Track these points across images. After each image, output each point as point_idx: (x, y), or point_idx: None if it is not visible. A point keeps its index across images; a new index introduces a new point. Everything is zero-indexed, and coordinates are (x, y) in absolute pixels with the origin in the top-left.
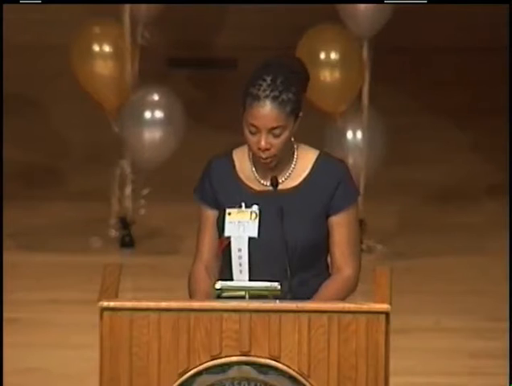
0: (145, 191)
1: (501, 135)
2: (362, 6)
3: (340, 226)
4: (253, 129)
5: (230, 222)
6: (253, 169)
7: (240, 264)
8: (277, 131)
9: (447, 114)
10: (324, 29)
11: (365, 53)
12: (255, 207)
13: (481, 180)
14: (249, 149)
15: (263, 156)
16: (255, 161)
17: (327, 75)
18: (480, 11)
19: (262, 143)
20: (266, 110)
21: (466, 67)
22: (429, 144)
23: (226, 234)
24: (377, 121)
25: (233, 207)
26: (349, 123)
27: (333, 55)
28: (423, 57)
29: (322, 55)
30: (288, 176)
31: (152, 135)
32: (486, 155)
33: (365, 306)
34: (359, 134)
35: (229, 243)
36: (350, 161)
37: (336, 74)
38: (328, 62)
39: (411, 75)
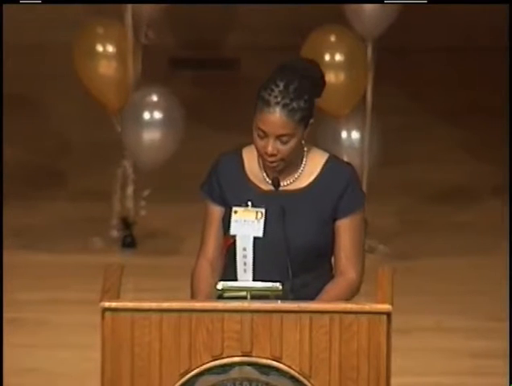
0: (145, 193)
1: (502, 135)
2: (369, 6)
3: (347, 230)
4: (261, 134)
5: (236, 220)
6: (262, 169)
7: (244, 264)
8: (284, 138)
9: (447, 114)
10: (328, 31)
11: (369, 53)
12: (261, 207)
13: (481, 180)
14: (257, 151)
15: (269, 160)
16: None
17: (332, 78)
18: (480, 11)
19: (269, 149)
20: (275, 117)
21: (466, 67)
22: (429, 144)
23: (232, 232)
24: (380, 120)
25: (240, 205)
26: (351, 123)
27: (338, 57)
28: (423, 57)
29: (327, 57)
30: (296, 178)
31: (152, 136)
32: (486, 155)
33: (367, 307)
34: (361, 135)
35: (234, 241)
36: (351, 161)
37: (341, 76)
38: (333, 64)
39: (411, 75)
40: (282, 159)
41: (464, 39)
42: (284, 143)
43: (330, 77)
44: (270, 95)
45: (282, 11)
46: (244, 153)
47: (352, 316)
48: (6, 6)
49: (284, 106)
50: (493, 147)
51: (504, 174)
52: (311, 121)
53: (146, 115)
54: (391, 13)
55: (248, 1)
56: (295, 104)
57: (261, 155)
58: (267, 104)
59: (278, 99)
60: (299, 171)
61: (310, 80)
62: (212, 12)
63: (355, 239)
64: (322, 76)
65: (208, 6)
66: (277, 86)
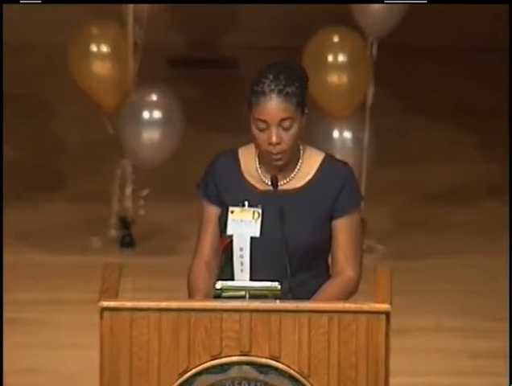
0: (144, 192)
1: (502, 135)
2: (376, 6)
3: (344, 229)
4: (262, 125)
5: (233, 220)
6: (258, 168)
7: (241, 263)
8: (286, 123)
9: (446, 114)
10: (331, 32)
11: (374, 53)
12: (258, 207)
13: (481, 180)
14: (259, 148)
15: (274, 151)
16: (261, 160)
17: (334, 79)
18: (479, 11)
19: (273, 138)
20: (274, 103)
21: (466, 67)
22: (429, 143)
23: (228, 232)
24: (378, 120)
25: (237, 205)
26: (350, 123)
27: (341, 58)
28: (423, 57)
29: (330, 58)
30: (293, 177)
31: (151, 135)
32: (486, 155)
33: (366, 306)
34: (360, 135)
35: (231, 241)
36: (349, 160)
37: (344, 77)
38: (336, 65)
39: (411, 75)
40: (285, 150)
41: (464, 39)
42: (287, 129)
43: (333, 78)
44: (263, 86)
45: (280, 11)
46: (240, 153)
47: (350, 316)
48: (6, 6)
49: (279, 91)
50: (493, 147)
51: (503, 174)
52: (306, 110)
53: (146, 114)
54: (398, 12)
55: (247, 1)
56: (288, 90)
57: (264, 150)
58: (262, 94)
59: (272, 86)
60: (296, 171)
61: (296, 72)
62: (210, 12)
63: (352, 238)
64: (306, 74)
65: (206, 6)
66: (267, 78)
